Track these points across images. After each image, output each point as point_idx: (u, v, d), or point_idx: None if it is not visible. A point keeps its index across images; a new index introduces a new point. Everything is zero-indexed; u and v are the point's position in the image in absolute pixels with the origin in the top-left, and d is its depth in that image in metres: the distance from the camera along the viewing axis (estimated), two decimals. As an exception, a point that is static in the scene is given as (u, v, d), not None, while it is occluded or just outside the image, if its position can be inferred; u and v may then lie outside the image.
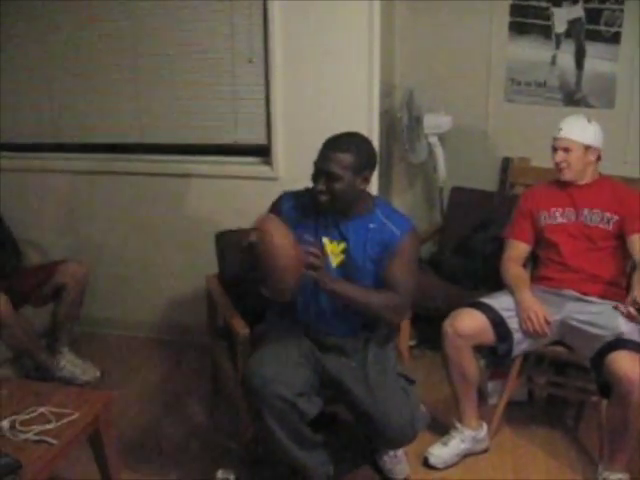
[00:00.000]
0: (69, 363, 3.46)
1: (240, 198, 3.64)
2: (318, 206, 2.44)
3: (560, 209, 2.94)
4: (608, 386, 2.53)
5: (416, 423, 2.42)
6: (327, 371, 2.52)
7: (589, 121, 2.89)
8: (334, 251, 2.47)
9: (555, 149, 2.90)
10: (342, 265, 2.47)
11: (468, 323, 2.75)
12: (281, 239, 2.23)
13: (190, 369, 3.68)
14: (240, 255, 2.41)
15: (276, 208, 2.57)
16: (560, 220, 2.93)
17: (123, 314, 4.10)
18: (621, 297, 2.71)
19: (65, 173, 3.99)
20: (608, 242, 2.88)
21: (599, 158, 2.91)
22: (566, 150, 2.86)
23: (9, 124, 4.04)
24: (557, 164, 2.90)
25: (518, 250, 2.99)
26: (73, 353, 3.53)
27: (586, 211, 2.90)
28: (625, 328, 2.57)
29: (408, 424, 2.38)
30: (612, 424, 2.60)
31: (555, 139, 2.89)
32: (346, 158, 2.36)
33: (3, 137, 4.07)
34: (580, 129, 2.87)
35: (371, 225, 2.47)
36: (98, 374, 3.51)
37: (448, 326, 2.76)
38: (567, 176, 2.90)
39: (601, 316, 2.70)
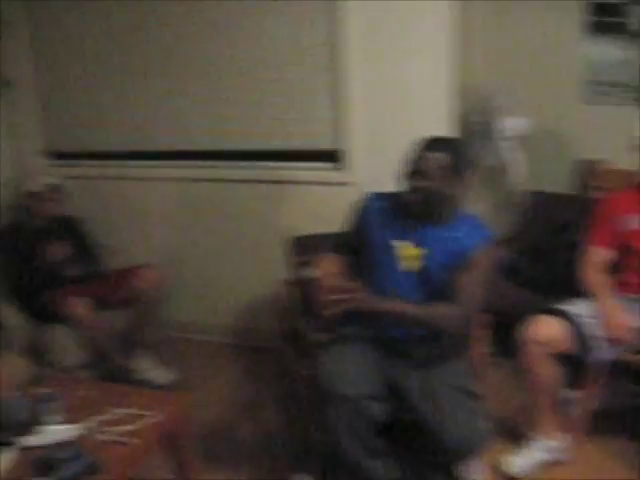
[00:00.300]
0: (146, 366, 3.54)
1: (311, 204, 3.66)
2: (408, 206, 2.41)
3: None
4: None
5: (475, 440, 2.35)
6: (394, 378, 2.50)
7: None
8: (411, 255, 2.45)
9: None
10: (420, 271, 2.45)
11: (546, 330, 2.68)
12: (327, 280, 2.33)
13: (264, 373, 3.71)
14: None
15: (360, 208, 2.58)
16: None
17: (198, 318, 4.17)
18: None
19: (142, 180, 4.10)
20: None
21: None
22: None
23: (93, 133, 4.17)
24: None
25: (599, 256, 2.90)
26: (149, 356, 3.61)
27: None
28: None
29: (466, 440, 2.32)
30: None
31: None
32: (443, 158, 2.34)
33: (84, 146, 4.20)
34: None
35: (451, 234, 2.43)
36: (174, 377, 3.58)
37: (526, 333, 2.69)
38: None
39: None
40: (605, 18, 3.65)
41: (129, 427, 2.30)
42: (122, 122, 4.10)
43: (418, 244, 2.45)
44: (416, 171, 2.36)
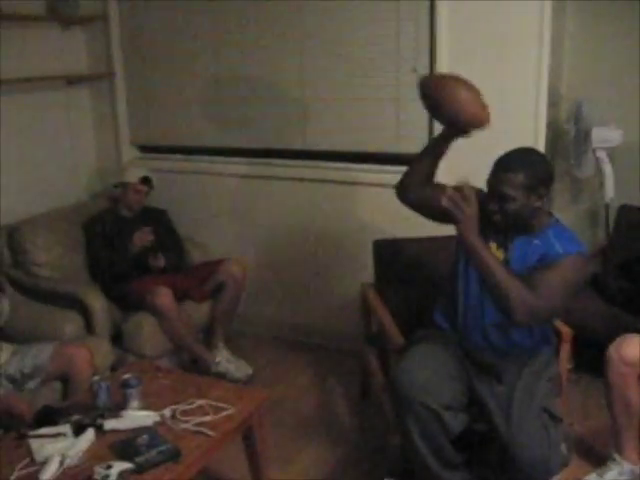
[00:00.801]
0: (224, 359, 3.59)
1: (398, 208, 3.61)
2: (492, 224, 2.40)
3: None
4: None
5: (552, 463, 2.27)
6: (474, 389, 2.45)
7: None
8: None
9: None
10: None
11: (635, 350, 2.58)
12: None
13: (339, 374, 3.71)
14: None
15: None
16: None
17: (277, 315, 4.20)
18: None
19: (231, 176, 4.16)
20: None
21: None
22: None
23: (179, 128, 4.26)
24: None
25: None
26: (228, 350, 3.66)
27: None
28: None
29: (542, 462, 2.24)
30: None
31: None
32: (518, 178, 2.30)
33: (169, 140, 4.32)
34: None
35: (536, 241, 2.39)
36: (250, 372, 3.62)
37: (613, 352, 2.60)
38: None
39: None
40: None
41: (207, 418, 2.34)
42: (207, 118, 4.17)
43: (502, 247, 2.42)
44: (493, 193, 2.35)
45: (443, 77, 2.62)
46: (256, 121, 4.01)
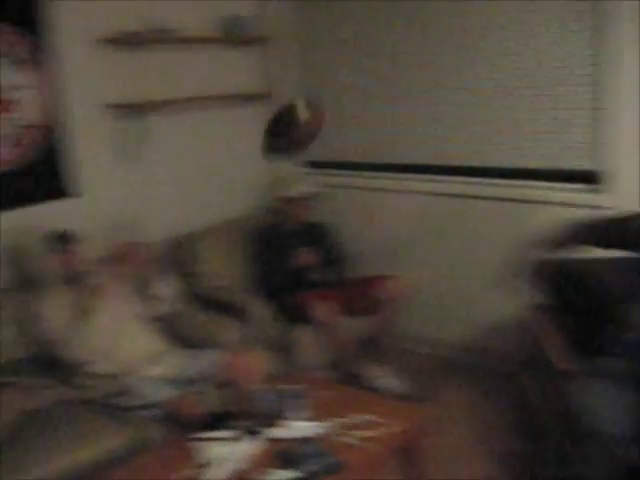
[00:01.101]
0: (382, 374, 3.58)
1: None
2: None
3: None
4: None
5: None
6: None
7: None
8: None
9: None
10: None
11: None
12: None
13: (496, 396, 3.60)
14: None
15: None
16: None
17: (433, 333, 4.16)
18: None
19: (390, 192, 4.18)
20: None
21: None
22: None
23: (345, 145, 4.36)
24: None
25: None
26: (385, 365, 3.65)
27: None
28: None
29: None
30: None
31: None
32: None
33: (337, 156, 4.41)
34: None
35: None
36: (409, 389, 3.59)
37: None
38: None
39: None
40: None
41: (370, 433, 2.35)
42: (375, 135, 4.22)
43: None
44: None
45: None
46: (428, 138, 4.00)
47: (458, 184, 3.93)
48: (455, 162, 3.94)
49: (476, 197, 3.86)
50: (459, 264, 4.00)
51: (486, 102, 3.74)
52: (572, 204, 3.51)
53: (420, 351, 4.16)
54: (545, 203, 3.62)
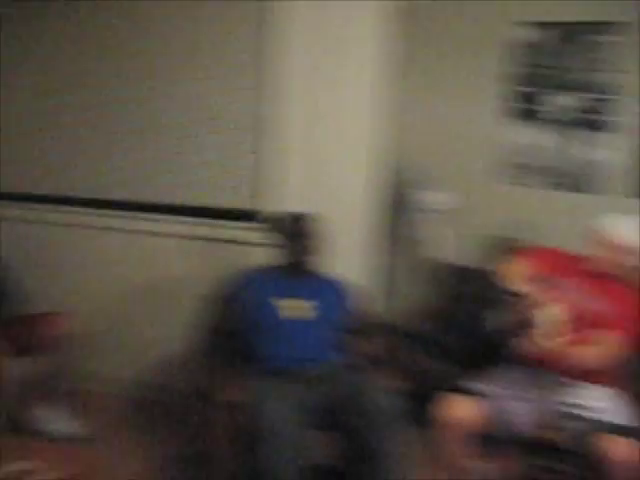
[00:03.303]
0: (53, 417, 3.41)
1: (226, 261, 3.64)
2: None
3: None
4: (593, 468, 2.51)
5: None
6: (319, 402, 2.73)
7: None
8: None
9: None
10: None
11: (461, 412, 2.71)
12: None
13: (175, 431, 3.63)
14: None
15: None
16: None
17: (108, 371, 4.08)
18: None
19: (57, 226, 4.05)
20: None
21: None
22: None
23: (7, 173, 4.13)
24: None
25: None
26: (57, 408, 3.48)
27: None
28: (606, 410, 2.58)
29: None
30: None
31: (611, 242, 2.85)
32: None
33: (3, 187, 4.14)
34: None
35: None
36: (82, 431, 3.46)
37: (440, 414, 2.72)
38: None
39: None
40: (528, 105, 3.85)
41: (30, 480, 2.22)
42: (45, 166, 4.08)
43: None
44: None
45: None
46: (99, 171, 3.98)
47: (128, 219, 3.95)
48: (124, 197, 3.97)
49: (148, 233, 3.91)
50: (135, 300, 3.99)
51: (146, 138, 3.86)
52: (242, 242, 3.73)
53: (98, 390, 4.03)
54: (216, 240, 3.79)
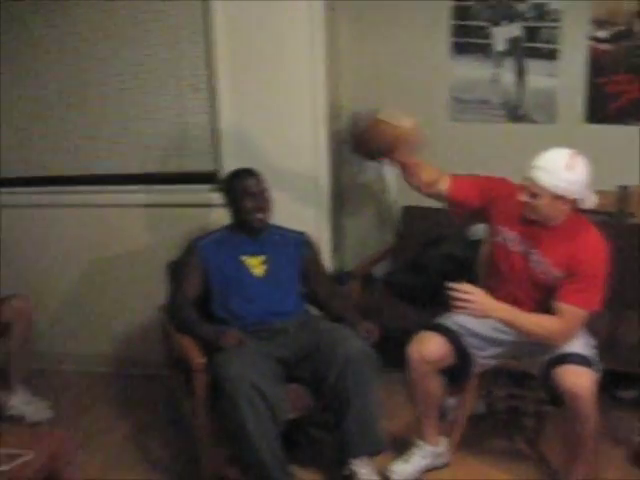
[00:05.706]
0: (20, 401, 3.35)
1: (189, 226, 3.59)
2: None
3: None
4: (559, 397, 2.54)
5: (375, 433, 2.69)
6: (290, 355, 2.79)
7: (568, 166, 2.46)
8: None
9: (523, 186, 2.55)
10: None
11: (433, 349, 2.70)
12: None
13: (147, 402, 3.61)
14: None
15: None
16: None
17: (76, 349, 4.02)
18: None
19: (6, 207, 3.90)
20: None
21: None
22: (534, 195, 2.52)
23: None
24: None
25: None
26: (24, 391, 3.42)
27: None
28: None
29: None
30: (566, 435, 2.63)
31: (524, 178, 2.54)
32: None
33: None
34: (552, 174, 2.46)
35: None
36: (50, 412, 3.42)
37: (413, 352, 2.71)
38: (532, 217, 2.62)
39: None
40: (469, 39, 3.81)
41: (3, 468, 2.18)
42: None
43: None
44: None
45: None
46: (32, 148, 3.86)
47: (78, 194, 3.84)
48: (79, 172, 3.85)
49: (100, 205, 3.82)
50: (92, 275, 3.92)
51: (96, 111, 3.75)
52: (195, 204, 3.68)
53: (65, 369, 3.99)
54: (171, 206, 3.73)
